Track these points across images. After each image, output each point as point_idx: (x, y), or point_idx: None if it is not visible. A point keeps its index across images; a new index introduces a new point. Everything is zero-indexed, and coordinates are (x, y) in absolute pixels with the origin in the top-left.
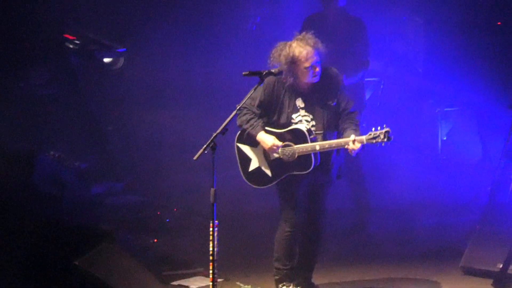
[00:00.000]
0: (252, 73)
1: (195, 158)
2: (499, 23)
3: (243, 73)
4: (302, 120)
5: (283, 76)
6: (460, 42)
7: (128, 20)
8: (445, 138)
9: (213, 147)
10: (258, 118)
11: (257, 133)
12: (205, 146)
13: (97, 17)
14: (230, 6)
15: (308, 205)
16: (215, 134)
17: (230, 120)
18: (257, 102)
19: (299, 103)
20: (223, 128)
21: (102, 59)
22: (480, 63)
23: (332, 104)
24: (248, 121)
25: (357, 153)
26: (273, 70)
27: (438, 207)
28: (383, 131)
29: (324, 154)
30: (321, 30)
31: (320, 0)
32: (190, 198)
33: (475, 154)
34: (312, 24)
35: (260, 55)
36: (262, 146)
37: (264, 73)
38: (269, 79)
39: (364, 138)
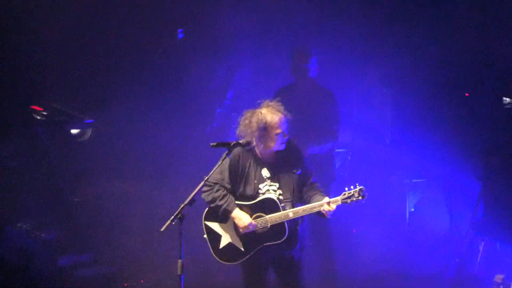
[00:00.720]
0: (220, 144)
1: (162, 229)
2: (467, 94)
3: (211, 144)
4: (269, 190)
5: (252, 145)
6: (427, 113)
7: (95, 90)
8: (413, 209)
9: (181, 218)
10: (230, 194)
11: (232, 209)
12: (172, 217)
13: (64, 88)
14: (198, 68)
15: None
16: (182, 205)
17: (198, 191)
18: (226, 176)
19: (265, 173)
20: (190, 199)
21: (70, 130)
22: (448, 134)
23: (296, 173)
24: (222, 198)
25: (331, 216)
26: (241, 141)
27: (406, 279)
28: (357, 189)
29: (291, 224)
30: (291, 100)
31: (291, 71)
32: (158, 269)
33: (443, 226)
34: (283, 94)
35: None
36: (232, 221)
37: (232, 144)
38: (234, 151)
39: (339, 198)
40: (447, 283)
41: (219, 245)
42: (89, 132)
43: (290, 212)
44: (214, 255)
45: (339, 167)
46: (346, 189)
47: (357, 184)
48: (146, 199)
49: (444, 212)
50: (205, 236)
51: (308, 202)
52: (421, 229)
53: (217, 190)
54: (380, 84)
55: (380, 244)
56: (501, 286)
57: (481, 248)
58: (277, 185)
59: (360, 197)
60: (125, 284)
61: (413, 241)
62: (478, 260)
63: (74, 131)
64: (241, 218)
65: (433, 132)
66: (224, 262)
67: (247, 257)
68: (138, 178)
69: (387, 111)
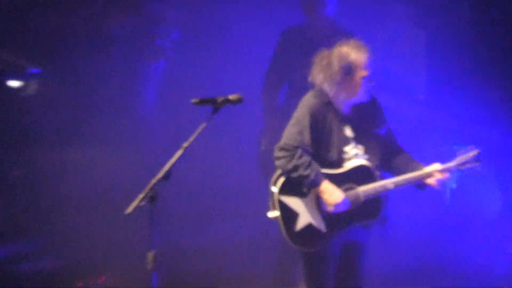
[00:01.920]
0: (203, 101)
1: (128, 211)
2: None
3: (192, 100)
4: (357, 154)
5: (328, 94)
6: (473, 60)
7: (44, 31)
8: (454, 186)
9: (153, 197)
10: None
11: (320, 181)
12: (141, 195)
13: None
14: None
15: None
16: (154, 180)
17: (175, 162)
18: (307, 137)
19: (349, 132)
20: (166, 172)
21: (8, 81)
22: (501, 87)
23: (382, 133)
24: (308, 166)
25: (443, 187)
26: (230, 97)
27: (445, 275)
28: (472, 153)
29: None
30: (305, 43)
31: (303, 7)
32: (123, 264)
33: (494, 207)
34: (293, 36)
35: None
36: (314, 195)
37: (220, 100)
38: (312, 102)
39: (453, 164)
40: (497, 281)
41: (295, 226)
42: (34, 85)
43: (391, 183)
44: (288, 237)
45: None
46: (460, 152)
47: (469, 146)
48: (109, 172)
49: (495, 189)
50: (274, 215)
51: (401, 170)
52: (465, 212)
53: (301, 156)
54: (410, 25)
55: (413, 232)
56: None
57: None
58: (363, 148)
59: (476, 163)
60: (79, 284)
61: (454, 227)
62: None
63: (14, 83)
64: (333, 192)
65: (481, 85)
66: (299, 247)
67: (329, 242)
68: (98, 145)
69: (420, 59)
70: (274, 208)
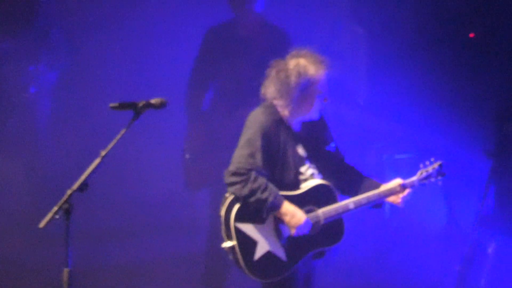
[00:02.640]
0: (123, 105)
1: (41, 225)
2: (471, 34)
3: (111, 104)
4: (313, 174)
5: (285, 108)
6: (417, 64)
7: None
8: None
9: (68, 210)
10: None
11: (280, 204)
12: (56, 208)
13: None
14: None
15: None
16: (69, 191)
17: (92, 172)
18: (259, 158)
19: (301, 151)
20: (81, 183)
21: None
22: (445, 95)
23: (331, 151)
24: (265, 189)
25: (405, 204)
26: (152, 101)
27: None
28: (435, 165)
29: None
30: (232, 42)
31: (229, 3)
32: (36, 280)
33: (439, 220)
34: (220, 34)
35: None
36: (272, 222)
37: (141, 104)
38: (263, 120)
39: (415, 179)
40: None
41: (253, 256)
42: None
43: (351, 203)
44: (246, 269)
45: None
46: (421, 165)
47: (432, 158)
48: (22, 179)
49: (440, 201)
50: (230, 244)
51: (356, 190)
52: (409, 225)
53: (255, 179)
54: (351, 21)
55: (352, 247)
56: None
57: (490, 251)
58: (316, 167)
59: (439, 176)
60: None
61: (397, 242)
62: (487, 267)
63: None
64: (294, 214)
65: (425, 91)
66: (258, 278)
67: (291, 270)
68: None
69: (360, 61)
70: (229, 238)
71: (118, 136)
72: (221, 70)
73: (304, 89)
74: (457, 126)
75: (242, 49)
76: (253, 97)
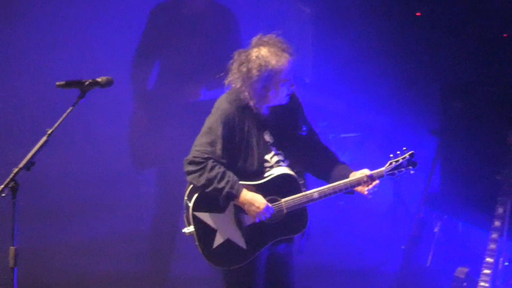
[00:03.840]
0: (69, 84)
1: None
2: (418, 13)
3: (57, 83)
4: (279, 162)
5: (244, 98)
6: (362, 42)
7: None
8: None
9: (14, 189)
10: (228, 171)
11: (238, 192)
12: (2, 186)
13: None
14: None
15: None
16: (16, 169)
17: (38, 150)
18: (219, 147)
19: (268, 138)
20: (28, 160)
21: None
22: (391, 72)
23: (303, 134)
24: (221, 178)
25: (373, 194)
26: (99, 79)
27: (332, 274)
28: (406, 155)
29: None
30: (179, 22)
31: None
32: None
33: (384, 199)
34: (165, 15)
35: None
36: (232, 210)
37: (88, 83)
38: (226, 107)
39: (383, 170)
40: (389, 278)
41: (212, 244)
42: None
43: (315, 193)
44: (205, 257)
45: None
46: (392, 156)
47: (404, 148)
48: None
49: (386, 180)
50: (189, 230)
51: (328, 175)
52: (353, 203)
53: (212, 168)
54: (296, 1)
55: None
56: (465, 283)
57: (436, 230)
58: (283, 154)
59: (410, 166)
60: None
61: (342, 221)
62: (433, 247)
63: None
64: (254, 201)
65: (370, 70)
66: (217, 266)
67: (250, 259)
68: None
69: (306, 40)
70: (189, 224)
71: (64, 115)
72: (167, 48)
73: (267, 80)
74: (402, 106)
75: (188, 27)
76: (199, 75)
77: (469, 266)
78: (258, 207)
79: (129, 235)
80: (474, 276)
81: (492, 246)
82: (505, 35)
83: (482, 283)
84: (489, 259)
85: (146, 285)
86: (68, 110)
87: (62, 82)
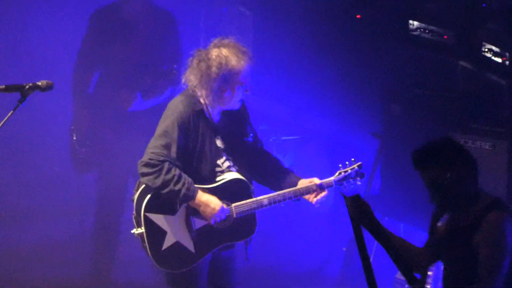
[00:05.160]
0: (9, 88)
1: None
2: (358, 16)
3: None
4: (229, 167)
5: (205, 99)
6: (301, 44)
7: None
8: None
9: None
10: (183, 173)
11: (194, 194)
12: None
13: None
14: None
15: None
16: None
17: None
18: (174, 150)
19: (219, 143)
20: None
21: None
22: (329, 75)
23: (249, 140)
24: (178, 180)
25: (321, 203)
26: (39, 83)
27: (271, 278)
28: (355, 166)
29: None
30: (115, 29)
31: None
32: None
33: (325, 202)
34: (102, 20)
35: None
36: (183, 213)
37: (28, 87)
38: (182, 110)
39: (333, 180)
40: (330, 280)
41: (161, 246)
42: None
43: (265, 199)
44: (153, 258)
45: None
46: (341, 166)
47: (353, 159)
48: None
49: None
50: (138, 231)
51: (276, 184)
52: (294, 206)
53: (169, 170)
54: (236, 2)
55: None
56: (406, 286)
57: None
58: (232, 160)
59: (358, 177)
60: None
61: (283, 223)
62: (374, 249)
63: None
64: (210, 202)
65: (311, 73)
66: (164, 268)
67: (197, 262)
68: None
69: (246, 42)
70: (138, 225)
71: (5, 119)
72: (107, 53)
73: (225, 80)
74: (344, 109)
75: (127, 32)
76: (138, 79)
77: None
78: (213, 209)
79: (68, 240)
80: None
81: None
82: (358, 16)
83: (428, 286)
84: None
85: None
86: (9, 114)
87: (2, 86)
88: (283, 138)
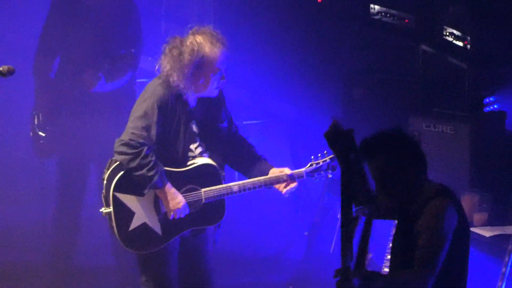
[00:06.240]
0: None
1: None
2: (319, 0)
3: None
4: (202, 153)
5: (177, 86)
6: (262, 28)
7: None
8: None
9: None
10: (158, 161)
11: (164, 185)
12: None
13: None
14: None
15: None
16: None
17: None
18: (153, 133)
19: (194, 127)
20: None
21: None
22: (291, 59)
23: (223, 126)
24: (152, 167)
25: (290, 194)
26: (0, 68)
27: (233, 262)
28: (327, 158)
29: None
30: (74, 11)
31: None
32: None
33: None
34: (62, 4)
35: None
36: (152, 195)
37: None
38: (161, 93)
39: (303, 171)
40: (293, 265)
41: (128, 226)
42: None
43: (235, 186)
44: (119, 238)
45: None
46: (312, 157)
47: (325, 151)
48: None
49: (288, 166)
50: (106, 210)
51: (247, 170)
52: (256, 191)
53: (146, 156)
54: None
55: None
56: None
57: (339, 216)
58: (205, 145)
59: (329, 170)
60: None
61: (245, 208)
62: (336, 233)
63: None
64: (174, 197)
65: (272, 57)
66: (130, 249)
67: (163, 245)
68: None
69: (209, 24)
70: (107, 204)
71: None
72: (67, 37)
73: (198, 67)
74: (305, 93)
75: (87, 16)
76: (98, 63)
77: (373, 252)
78: (178, 203)
79: (29, 225)
80: (378, 262)
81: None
82: (319, 0)
83: (385, 269)
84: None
85: (48, 275)
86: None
87: None
88: (244, 122)
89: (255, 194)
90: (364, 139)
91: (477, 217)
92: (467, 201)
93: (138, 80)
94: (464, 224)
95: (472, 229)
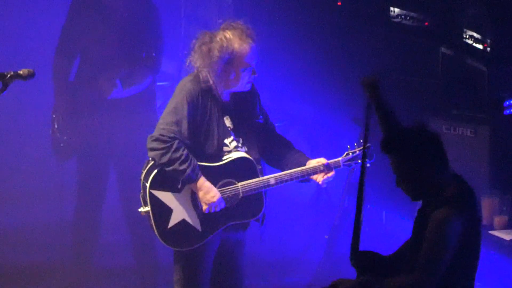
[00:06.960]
0: None
1: None
2: (339, 3)
3: None
4: (237, 147)
5: (207, 81)
6: (282, 30)
7: None
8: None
9: None
10: (190, 154)
11: (197, 178)
12: None
13: None
14: None
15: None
16: None
17: None
18: (185, 127)
19: (228, 123)
20: None
21: None
22: (311, 61)
23: (260, 122)
24: (184, 160)
25: (328, 184)
26: (20, 72)
27: (253, 265)
28: (361, 148)
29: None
30: (93, 14)
31: None
32: None
33: (307, 188)
34: (84, 4)
35: None
36: (189, 191)
37: (9, 75)
38: (191, 90)
39: (340, 160)
40: (312, 267)
41: (167, 223)
42: None
43: (272, 178)
44: (159, 236)
45: (160, 106)
46: (349, 147)
47: (361, 140)
48: None
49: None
50: (145, 209)
51: (284, 163)
52: (277, 193)
53: (177, 149)
54: None
55: None
56: None
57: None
58: (241, 140)
59: (366, 159)
60: None
61: (265, 211)
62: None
63: None
64: (209, 191)
65: (293, 59)
66: (171, 246)
67: (204, 241)
68: None
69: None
70: (144, 203)
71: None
72: (87, 40)
73: (227, 63)
74: (326, 95)
75: (107, 19)
76: (117, 67)
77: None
78: (213, 197)
79: (50, 225)
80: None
81: None
82: (339, 3)
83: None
84: None
85: (68, 275)
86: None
87: None
88: None
89: (275, 198)
90: (387, 134)
91: (497, 220)
92: (487, 204)
93: (158, 84)
94: (473, 231)
95: (492, 232)
